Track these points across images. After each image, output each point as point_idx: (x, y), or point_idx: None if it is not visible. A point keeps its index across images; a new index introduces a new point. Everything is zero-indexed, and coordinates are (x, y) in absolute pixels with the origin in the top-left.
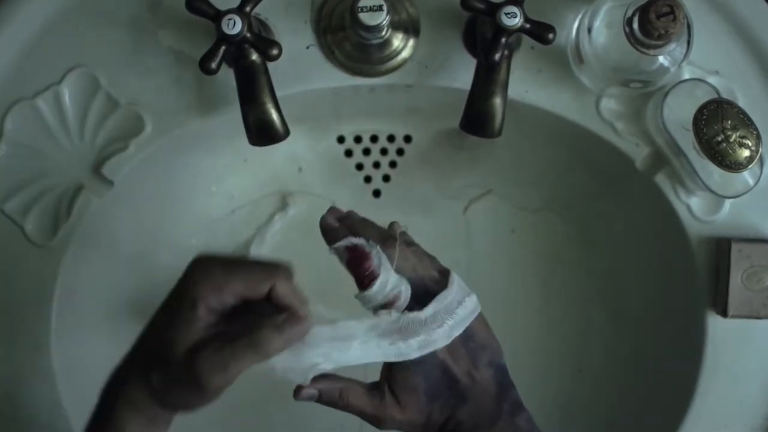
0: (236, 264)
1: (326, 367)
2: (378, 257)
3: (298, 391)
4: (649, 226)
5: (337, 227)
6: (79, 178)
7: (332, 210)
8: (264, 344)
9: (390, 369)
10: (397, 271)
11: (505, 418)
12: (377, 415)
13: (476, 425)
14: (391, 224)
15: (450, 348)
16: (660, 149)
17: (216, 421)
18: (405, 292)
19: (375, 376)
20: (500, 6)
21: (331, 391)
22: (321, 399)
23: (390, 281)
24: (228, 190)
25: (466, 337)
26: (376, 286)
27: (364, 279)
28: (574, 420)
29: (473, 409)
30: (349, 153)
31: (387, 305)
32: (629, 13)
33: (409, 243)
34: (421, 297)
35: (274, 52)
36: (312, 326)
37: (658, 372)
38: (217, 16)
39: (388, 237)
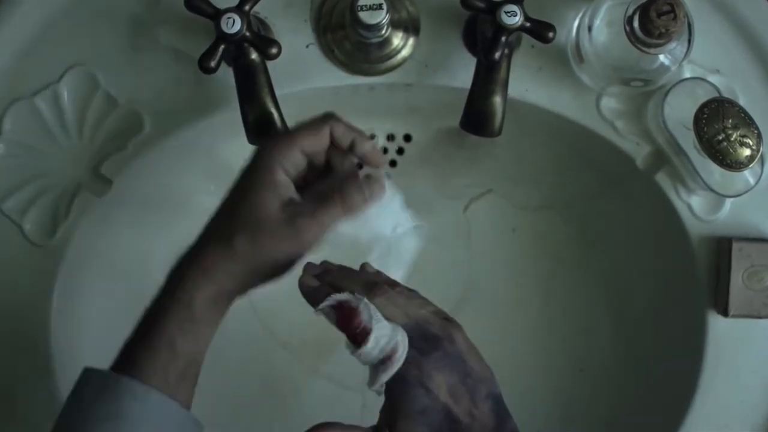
0: (293, 129)
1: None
2: (367, 310)
3: None
4: (649, 226)
5: (318, 287)
6: (78, 178)
7: (308, 267)
8: (350, 199)
9: (391, 416)
10: (390, 319)
11: None
12: None
13: None
14: (363, 266)
15: (451, 391)
16: (660, 148)
17: (216, 421)
18: (402, 341)
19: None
20: (500, 4)
21: None
22: None
23: (384, 333)
24: (227, 188)
25: (465, 375)
26: (371, 341)
27: (356, 336)
28: (575, 419)
29: None
30: None
31: (385, 360)
32: (630, 11)
33: (392, 284)
34: (419, 342)
35: (274, 51)
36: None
37: (659, 371)
38: (217, 14)
39: (372, 284)
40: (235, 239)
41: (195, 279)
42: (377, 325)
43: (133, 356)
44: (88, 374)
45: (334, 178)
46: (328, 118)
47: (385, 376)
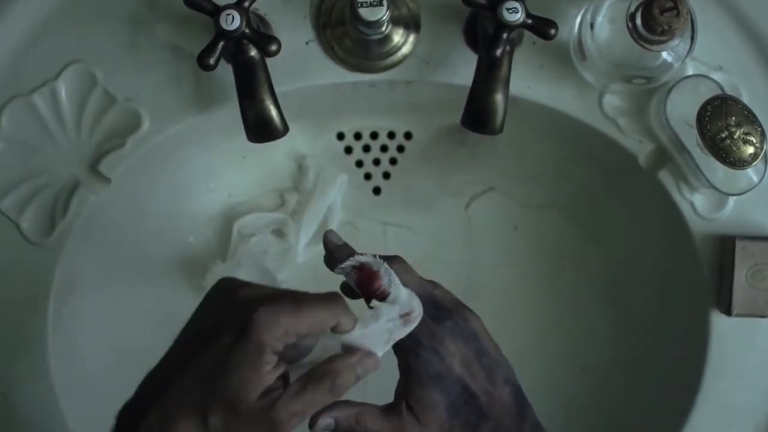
0: (298, 307)
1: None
2: (387, 275)
3: (313, 421)
4: (652, 224)
5: (342, 245)
6: (76, 175)
7: (331, 232)
8: (343, 388)
9: (406, 386)
10: (405, 285)
11: None
12: None
13: None
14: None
15: (465, 363)
16: (663, 146)
17: None
18: (418, 306)
19: (374, 388)
20: (501, 1)
21: (347, 417)
22: (337, 427)
23: (402, 298)
24: (226, 187)
25: (479, 352)
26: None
27: (375, 298)
28: (577, 419)
29: (494, 427)
30: (348, 150)
31: (402, 316)
32: (632, 8)
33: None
34: (432, 311)
35: (273, 47)
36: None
37: (662, 371)
38: (216, 11)
39: (392, 256)
40: (209, 417)
41: None
42: (395, 289)
43: None
44: None
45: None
46: (338, 310)
47: (400, 334)
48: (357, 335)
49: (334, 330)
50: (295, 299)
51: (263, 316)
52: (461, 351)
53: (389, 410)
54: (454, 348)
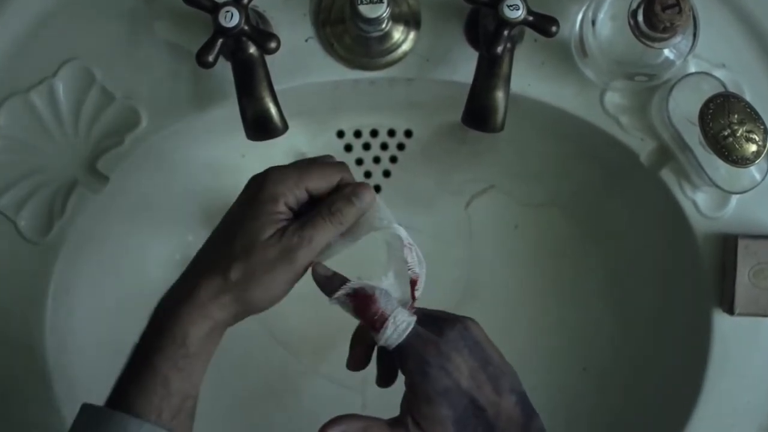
0: (308, 165)
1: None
2: (383, 296)
3: None
4: (654, 222)
5: (331, 275)
6: (74, 174)
7: (318, 264)
8: (339, 213)
9: (414, 402)
10: None
11: None
12: None
13: None
14: None
15: (472, 375)
16: (665, 144)
17: (215, 420)
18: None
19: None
20: None
21: (355, 431)
22: None
23: (403, 318)
24: (225, 185)
25: (484, 361)
26: (390, 327)
27: (375, 323)
28: (579, 419)
29: None
30: (348, 148)
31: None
32: (634, 5)
33: None
34: (433, 326)
35: (273, 45)
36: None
37: (664, 370)
38: (215, 8)
39: None
40: (231, 270)
41: (189, 315)
42: (395, 310)
43: (126, 394)
44: (84, 409)
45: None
46: (342, 168)
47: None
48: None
49: (341, 182)
50: (305, 162)
51: (274, 171)
52: (467, 363)
53: (396, 424)
54: (461, 361)
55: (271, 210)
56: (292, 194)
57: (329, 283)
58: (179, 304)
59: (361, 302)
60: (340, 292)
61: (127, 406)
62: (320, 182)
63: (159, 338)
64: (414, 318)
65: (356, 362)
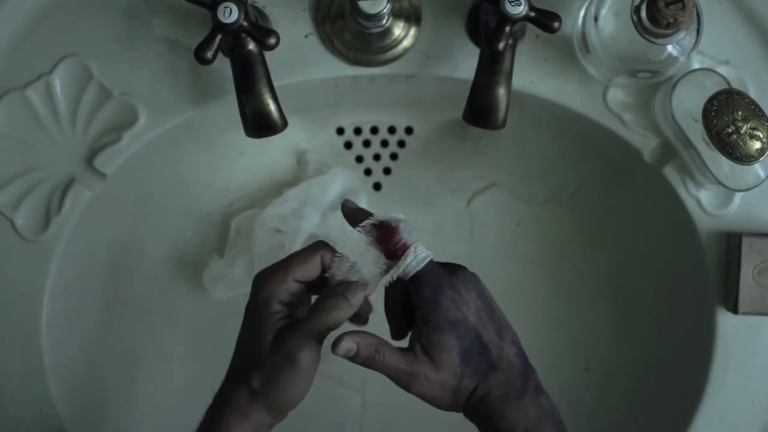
0: (289, 258)
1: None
2: (406, 229)
3: (336, 344)
4: (657, 220)
5: (358, 208)
6: (71, 171)
7: (348, 200)
8: (332, 311)
9: (423, 329)
10: None
11: (531, 395)
12: (412, 371)
13: (506, 395)
14: None
15: (479, 315)
16: (669, 141)
17: None
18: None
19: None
20: None
21: (367, 345)
22: (358, 354)
23: (419, 247)
24: (224, 183)
25: (489, 308)
26: (410, 254)
27: (396, 251)
28: (581, 419)
29: (503, 378)
30: (348, 145)
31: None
32: (637, 1)
33: None
34: (446, 267)
35: (272, 41)
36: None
37: (667, 370)
38: (213, 4)
39: None
40: (252, 380)
41: (231, 417)
42: (416, 242)
43: None
44: None
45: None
46: (318, 247)
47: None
48: (344, 269)
49: (324, 267)
50: (286, 258)
51: (260, 275)
52: (475, 302)
53: (405, 350)
54: (469, 298)
55: (266, 314)
56: (283, 291)
57: (356, 214)
58: (222, 409)
59: (385, 232)
60: (367, 222)
61: None
62: (304, 270)
63: (212, 428)
64: (431, 253)
65: (398, 329)
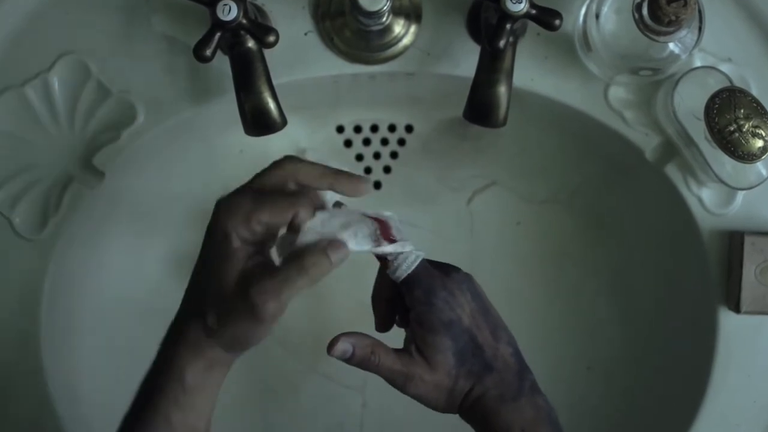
0: (260, 195)
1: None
2: (396, 226)
3: (332, 344)
4: (659, 219)
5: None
6: (69, 169)
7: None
8: (311, 268)
9: (417, 331)
10: None
11: (527, 395)
12: (407, 373)
13: (502, 396)
14: None
15: (473, 316)
16: (670, 139)
17: (214, 420)
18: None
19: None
20: None
21: (363, 347)
22: (354, 356)
23: (409, 247)
24: (223, 181)
25: (484, 309)
26: (401, 258)
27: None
28: (583, 419)
29: (498, 379)
30: (348, 143)
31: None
32: None
33: None
34: (439, 268)
35: (271, 38)
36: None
37: (669, 369)
38: (212, 1)
39: None
40: (207, 315)
41: (183, 354)
42: (406, 242)
43: None
44: None
45: (293, 244)
46: (297, 201)
47: (361, 230)
48: (317, 223)
49: (293, 221)
50: (258, 190)
51: (222, 204)
52: (469, 304)
53: (400, 351)
54: (463, 300)
55: (227, 251)
56: (244, 228)
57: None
58: (174, 344)
59: (379, 228)
60: (360, 213)
61: None
62: (273, 217)
63: (158, 377)
64: (422, 253)
65: (384, 321)
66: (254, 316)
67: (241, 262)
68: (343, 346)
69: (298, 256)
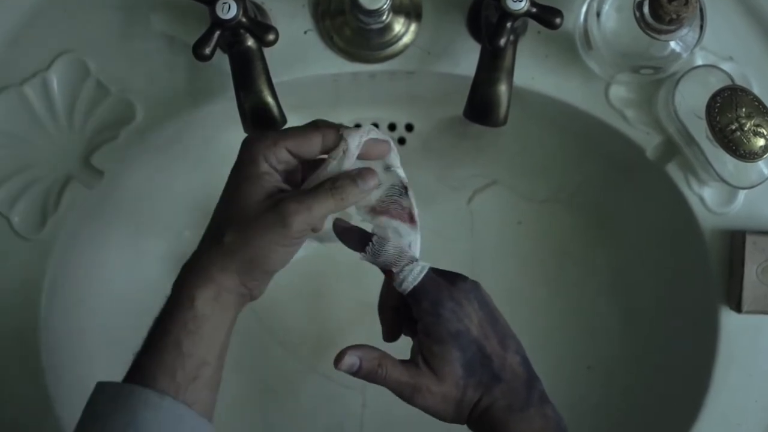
0: (285, 129)
1: None
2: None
3: (339, 358)
4: (660, 218)
5: (352, 226)
6: (68, 169)
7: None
8: (343, 191)
9: (424, 342)
10: None
11: (535, 406)
12: (414, 384)
13: (510, 406)
14: None
15: (481, 325)
16: (672, 138)
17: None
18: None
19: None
20: None
21: (370, 360)
22: (361, 369)
23: (414, 261)
24: (222, 180)
25: (492, 318)
26: (406, 271)
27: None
28: (584, 419)
29: (507, 389)
30: None
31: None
32: None
33: None
34: (445, 277)
35: (271, 37)
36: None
37: (670, 369)
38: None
39: None
40: (225, 236)
41: (194, 279)
42: (412, 257)
43: (142, 363)
44: (101, 387)
45: (325, 170)
46: (319, 124)
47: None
48: (353, 145)
49: (324, 149)
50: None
51: (251, 136)
52: (477, 314)
53: (407, 363)
54: (471, 310)
55: (254, 172)
56: (272, 153)
57: (348, 233)
58: (187, 272)
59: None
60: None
61: (142, 374)
62: (299, 140)
63: (170, 304)
64: (428, 264)
65: (391, 331)
66: (282, 226)
67: (269, 184)
68: (350, 360)
69: (330, 179)
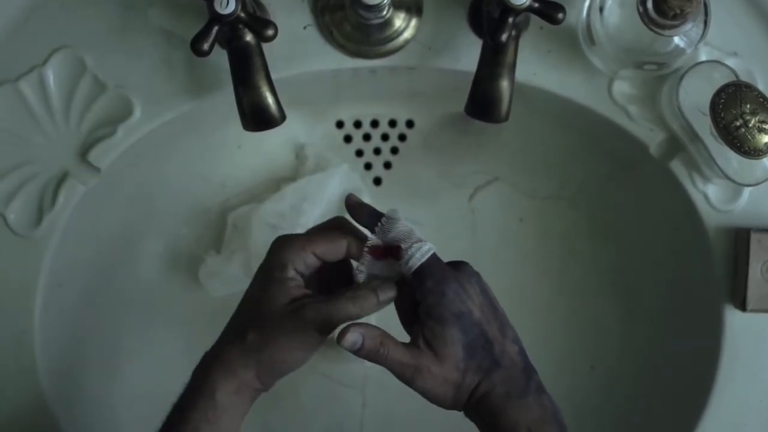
0: (314, 231)
1: None
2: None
3: (342, 335)
4: (663, 215)
5: (363, 203)
6: (65, 165)
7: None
8: (362, 301)
9: (426, 322)
10: None
11: (534, 394)
12: (416, 365)
13: (509, 393)
14: None
15: (482, 309)
16: (675, 134)
17: None
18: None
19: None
20: None
21: (373, 337)
22: (363, 347)
23: (422, 241)
24: (221, 177)
25: (492, 305)
26: (414, 248)
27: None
28: (586, 418)
29: (506, 376)
30: (348, 138)
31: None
32: None
33: None
34: (449, 263)
35: (270, 32)
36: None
37: (674, 368)
38: None
39: None
40: (248, 334)
41: (217, 372)
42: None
43: None
44: None
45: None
46: (347, 233)
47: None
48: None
49: (348, 255)
50: (312, 228)
51: (280, 238)
52: (479, 297)
53: (408, 344)
54: (473, 293)
55: (281, 277)
56: (300, 259)
57: (360, 208)
58: (209, 364)
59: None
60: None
61: None
62: (327, 246)
63: (192, 393)
64: (434, 246)
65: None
66: (303, 334)
67: (294, 290)
68: (353, 337)
69: (348, 291)
